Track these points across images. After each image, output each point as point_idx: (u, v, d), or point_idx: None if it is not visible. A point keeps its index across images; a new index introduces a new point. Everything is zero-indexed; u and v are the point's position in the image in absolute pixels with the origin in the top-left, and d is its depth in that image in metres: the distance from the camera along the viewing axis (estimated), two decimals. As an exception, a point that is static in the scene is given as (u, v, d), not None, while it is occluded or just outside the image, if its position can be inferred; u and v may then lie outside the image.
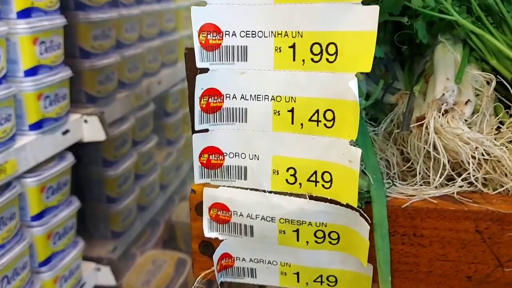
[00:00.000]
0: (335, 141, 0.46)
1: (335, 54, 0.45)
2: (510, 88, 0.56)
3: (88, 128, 1.31)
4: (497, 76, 0.59)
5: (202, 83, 0.48)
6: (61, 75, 1.18)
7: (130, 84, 1.52)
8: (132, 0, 1.50)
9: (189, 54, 0.51)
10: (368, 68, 0.43)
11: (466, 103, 0.55)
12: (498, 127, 0.55)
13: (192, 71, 0.51)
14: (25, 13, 1.06)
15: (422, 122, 0.54)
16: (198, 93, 0.48)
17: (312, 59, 0.46)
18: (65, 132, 1.23)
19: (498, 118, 0.55)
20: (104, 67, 1.34)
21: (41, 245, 1.15)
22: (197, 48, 0.47)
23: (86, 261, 1.36)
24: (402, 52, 0.70)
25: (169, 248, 1.69)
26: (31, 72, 1.09)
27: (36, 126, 1.13)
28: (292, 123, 0.48)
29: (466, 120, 0.54)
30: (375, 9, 0.42)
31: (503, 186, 0.50)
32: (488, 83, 0.58)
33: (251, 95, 0.49)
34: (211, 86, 0.48)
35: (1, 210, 1.02)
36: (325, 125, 0.47)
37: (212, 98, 0.49)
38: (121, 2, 1.44)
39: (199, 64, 0.47)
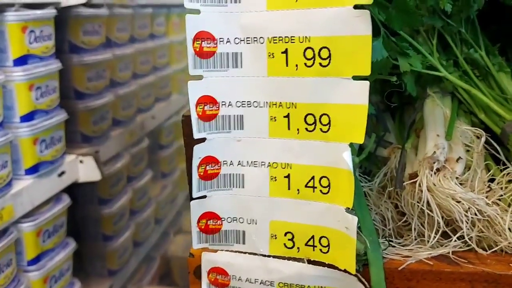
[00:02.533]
0: (331, 207, 0.48)
1: (328, 125, 0.46)
2: (496, 144, 0.58)
3: (84, 168, 1.31)
4: (486, 130, 0.61)
5: (199, 152, 0.49)
6: (56, 118, 1.19)
7: (124, 121, 1.53)
8: (126, 39, 1.52)
9: (186, 120, 0.53)
10: (361, 140, 0.45)
11: (457, 160, 0.56)
12: (491, 179, 0.57)
13: (189, 137, 0.52)
14: (21, 61, 1.07)
15: (415, 180, 0.55)
16: (195, 162, 0.49)
17: (306, 129, 0.47)
18: (61, 174, 1.23)
19: (489, 174, 0.57)
20: (98, 107, 1.35)
21: (37, 290, 1.14)
22: (194, 120, 0.48)
23: (82, 301, 1.34)
24: (392, 102, 0.72)
25: (165, 283, 1.68)
26: (27, 117, 1.10)
27: (32, 170, 1.13)
28: (289, 188, 0.49)
29: (457, 178, 0.55)
30: (365, 84, 0.44)
31: (497, 245, 0.51)
32: (478, 137, 0.60)
33: (247, 161, 0.50)
34: (208, 154, 0.49)
35: (-2, 258, 1.01)
36: (321, 191, 0.48)
37: (210, 165, 0.50)
38: (114, 42, 1.46)
39: (196, 135, 0.48)
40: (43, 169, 1.15)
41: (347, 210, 0.46)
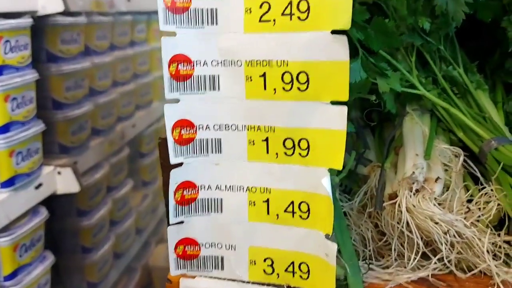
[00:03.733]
0: (311, 232, 0.47)
1: (307, 149, 0.46)
2: (472, 164, 0.58)
3: (62, 180, 1.28)
4: (465, 148, 0.61)
5: (176, 177, 0.48)
6: (33, 130, 1.16)
7: (104, 131, 1.51)
8: (105, 47, 1.50)
9: (163, 143, 0.52)
10: (339, 166, 0.44)
11: (436, 180, 0.56)
12: (470, 199, 0.57)
13: (166, 160, 0.51)
14: (-4, 71, 1.05)
15: (395, 200, 0.55)
16: (172, 187, 0.48)
17: (285, 153, 0.47)
18: (38, 186, 1.21)
19: (468, 194, 0.57)
20: (77, 117, 1.33)
21: (13, 306, 1.12)
22: (170, 144, 0.47)
23: (61, 316, 1.32)
24: (372, 117, 0.72)
25: (147, 294, 1.66)
26: (3, 129, 1.08)
27: (8, 183, 1.10)
28: (268, 213, 0.48)
29: (436, 198, 0.55)
30: (343, 110, 0.43)
31: (476, 266, 0.51)
32: (456, 156, 0.60)
33: (226, 185, 0.49)
34: (185, 179, 0.48)
35: (-28, 275, 0.98)
36: (300, 216, 0.47)
37: (187, 190, 0.49)
38: (93, 50, 1.43)
39: (173, 160, 0.47)
40: (19, 182, 1.12)
41: (327, 236, 0.46)
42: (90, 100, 1.41)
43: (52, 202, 1.29)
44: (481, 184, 0.58)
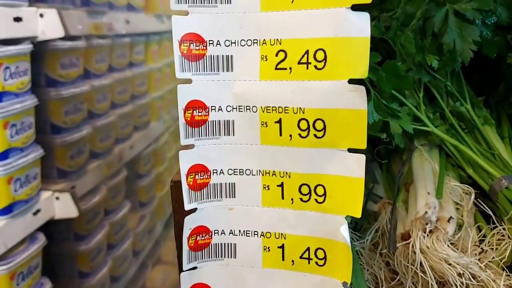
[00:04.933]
0: (327, 280, 0.46)
1: (324, 196, 0.45)
2: (482, 202, 0.58)
3: (60, 205, 1.27)
4: (474, 185, 0.61)
5: (190, 223, 0.47)
6: (32, 156, 1.15)
7: (102, 153, 1.50)
8: (104, 69, 1.50)
9: (175, 186, 0.51)
10: (358, 214, 0.44)
11: (448, 220, 0.56)
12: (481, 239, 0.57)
13: (178, 202, 0.50)
14: (-5, 99, 1.04)
15: (408, 241, 0.55)
16: (186, 233, 0.47)
17: (301, 199, 0.46)
18: (36, 212, 1.19)
19: (481, 234, 0.56)
20: (76, 141, 1.32)
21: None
22: (185, 190, 0.47)
23: None
24: (379, 150, 0.72)
25: (144, 318, 1.64)
26: (2, 156, 1.06)
27: (6, 210, 1.09)
28: (283, 259, 0.48)
29: (449, 239, 0.55)
30: (361, 158, 0.43)
31: (491, 309, 0.51)
32: (467, 194, 0.60)
33: (240, 230, 0.48)
34: (199, 224, 0.48)
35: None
36: (316, 263, 0.47)
37: (201, 235, 0.48)
38: (92, 73, 1.43)
39: (188, 206, 0.47)
40: (17, 208, 1.11)
41: (345, 284, 0.45)
42: (89, 123, 1.40)
43: (50, 227, 1.27)
44: (493, 223, 0.58)
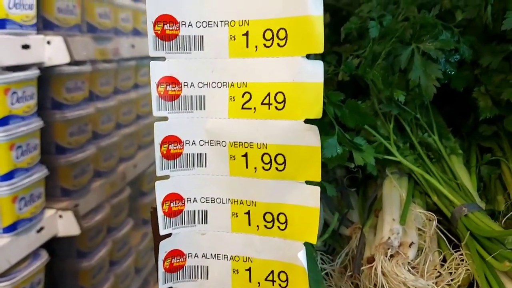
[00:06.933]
0: (288, 300, 0.51)
1: (285, 223, 0.50)
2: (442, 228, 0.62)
3: (63, 223, 1.32)
4: (440, 211, 0.65)
5: (165, 247, 0.52)
6: (37, 176, 1.20)
7: (106, 172, 1.55)
8: (109, 92, 1.56)
9: (155, 212, 0.56)
10: (313, 240, 0.48)
11: (410, 245, 0.60)
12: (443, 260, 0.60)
13: (157, 228, 0.55)
14: (3, 122, 1.10)
15: (372, 264, 0.59)
16: (161, 256, 0.52)
17: (265, 226, 0.51)
18: (40, 230, 1.24)
19: (441, 257, 0.60)
20: (80, 161, 1.37)
21: None
22: (160, 217, 0.52)
23: None
24: (356, 176, 0.76)
25: (145, 334, 1.67)
26: (7, 176, 1.12)
27: (11, 228, 1.14)
28: (250, 281, 0.52)
29: (410, 262, 0.59)
30: (316, 190, 0.48)
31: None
32: (430, 220, 0.64)
33: (211, 254, 0.53)
34: (174, 248, 0.53)
35: (-28, 321, 1.01)
36: (280, 285, 0.51)
37: (175, 258, 0.53)
38: (97, 96, 1.49)
39: (163, 231, 0.52)
40: (21, 226, 1.16)
41: (303, 304, 0.49)
42: (93, 143, 1.45)
43: (53, 244, 1.32)
44: (455, 247, 0.62)
